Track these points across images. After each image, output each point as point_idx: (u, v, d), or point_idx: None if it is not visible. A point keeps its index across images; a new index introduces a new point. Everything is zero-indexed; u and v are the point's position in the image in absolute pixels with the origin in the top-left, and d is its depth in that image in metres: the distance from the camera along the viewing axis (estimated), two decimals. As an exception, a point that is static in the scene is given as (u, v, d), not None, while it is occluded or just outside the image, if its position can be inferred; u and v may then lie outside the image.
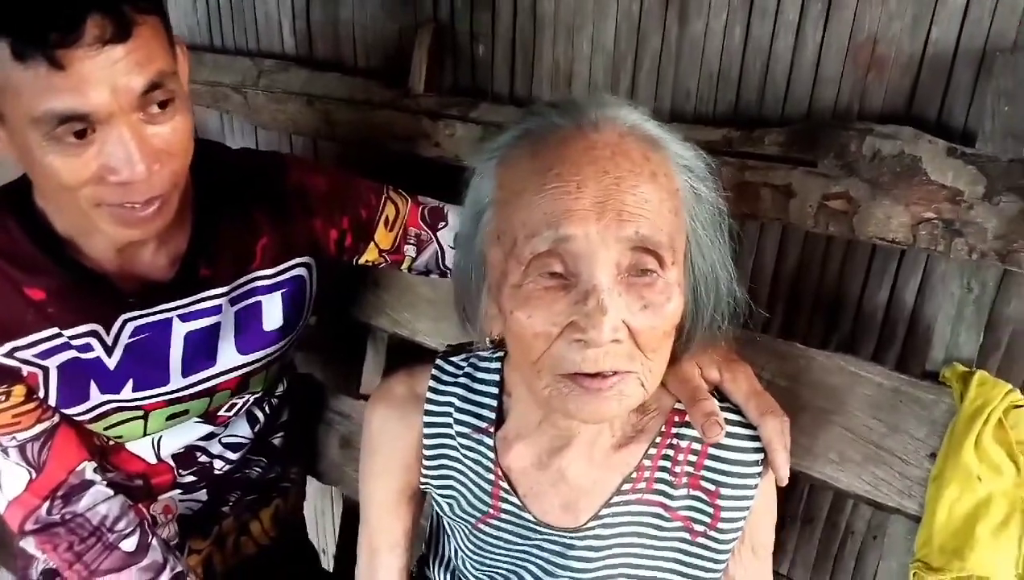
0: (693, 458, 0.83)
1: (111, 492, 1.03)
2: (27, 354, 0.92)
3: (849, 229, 0.98)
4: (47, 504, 0.98)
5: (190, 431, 1.11)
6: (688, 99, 1.18)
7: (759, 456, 0.82)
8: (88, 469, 1.01)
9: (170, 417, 1.05)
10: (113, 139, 0.79)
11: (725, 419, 0.81)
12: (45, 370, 0.94)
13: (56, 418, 0.98)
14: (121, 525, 1.03)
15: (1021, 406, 0.87)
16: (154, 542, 1.06)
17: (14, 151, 0.83)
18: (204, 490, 1.18)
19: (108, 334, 0.95)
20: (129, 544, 1.03)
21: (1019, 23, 0.93)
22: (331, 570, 1.49)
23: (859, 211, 0.97)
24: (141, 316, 0.97)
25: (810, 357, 0.99)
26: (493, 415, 0.87)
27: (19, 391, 0.93)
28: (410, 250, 1.15)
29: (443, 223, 1.14)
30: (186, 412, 1.06)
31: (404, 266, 1.17)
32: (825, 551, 1.33)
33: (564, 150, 0.68)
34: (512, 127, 0.75)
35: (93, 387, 0.97)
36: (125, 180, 0.81)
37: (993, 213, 0.90)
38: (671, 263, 0.69)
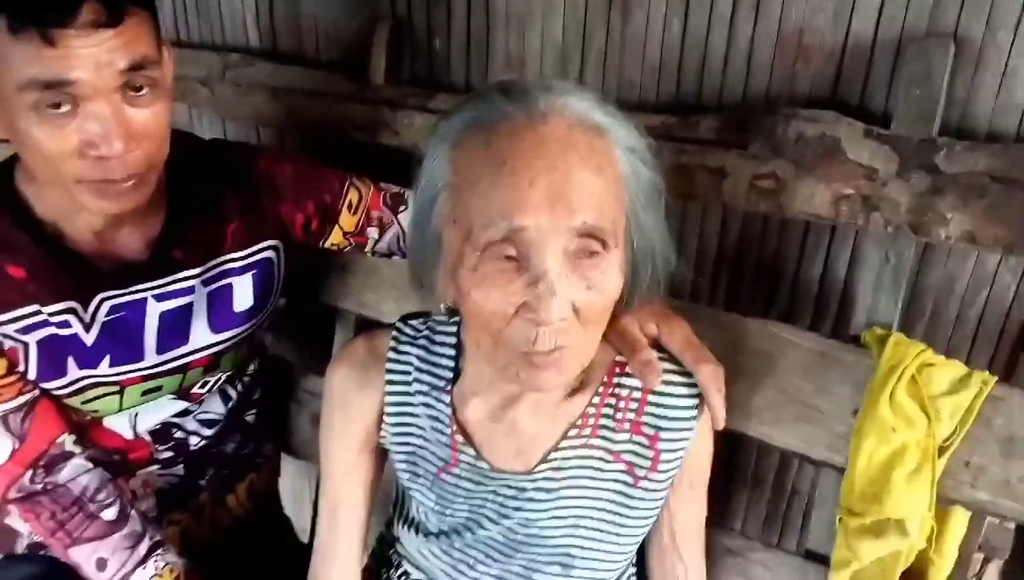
0: (634, 405, 0.91)
1: (91, 465, 1.09)
2: (8, 329, 0.98)
3: (777, 206, 1.06)
4: (30, 473, 1.04)
5: (165, 408, 1.17)
6: (632, 89, 1.25)
7: (695, 401, 0.91)
8: (68, 441, 1.07)
9: (145, 393, 1.11)
10: (94, 115, 0.85)
11: (663, 368, 0.89)
12: (25, 345, 0.99)
13: (37, 391, 1.03)
14: (101, 496, 1.09)
15: (933, 364, 0.95)
16: (133, 513, 1.11)
17: (4, 127, 0.88)
18: (181, 465, 1.24)
19: (85, 312, 1.01)
20: (110, 514, 1.08)
21: (929, 15, 1.01)
22: (307, 542, 1.55)
23: (785, 189, 1.05)
24: (117, 295, 1.03)
25: (745, 325, 1.07)
26: (451, 374, 0.93)
27: (1, 364, 0.99)
28: (373, 233, 1.21)
29: (403, 207, 1.21)
30: (160, 388, 1.12)
31: (367, 249, 1.24)
32: (774, 510, 1.41)
33: (516, 143, 0.74)
34: (462, 109, 0.79)
35: (71, 363, 1.03)
36: (103, 155, 0.87)
37: (905, 189, 0.98)
38: (614, 246, 0.76)
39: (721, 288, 1.31)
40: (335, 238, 1.20)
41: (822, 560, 1.04)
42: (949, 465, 0.94)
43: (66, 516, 1.06)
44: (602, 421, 0.91)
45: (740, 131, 1.08)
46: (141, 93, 0.89)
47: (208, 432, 1.25)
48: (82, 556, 1.07)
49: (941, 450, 0.93)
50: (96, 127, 0.85)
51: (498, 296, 0.75)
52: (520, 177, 0.72)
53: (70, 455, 1.07)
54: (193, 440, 1.24)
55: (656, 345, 0.92)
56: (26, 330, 0.99)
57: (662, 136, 1.13)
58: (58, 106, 0.84)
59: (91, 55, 0.82)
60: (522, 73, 1.34)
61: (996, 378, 0.92)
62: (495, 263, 0.75)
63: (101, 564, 1.07)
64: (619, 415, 0.91)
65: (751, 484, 1.40)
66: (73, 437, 1.08)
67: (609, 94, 1.26)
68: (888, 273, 1.02)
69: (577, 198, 0.73)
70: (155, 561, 1.09)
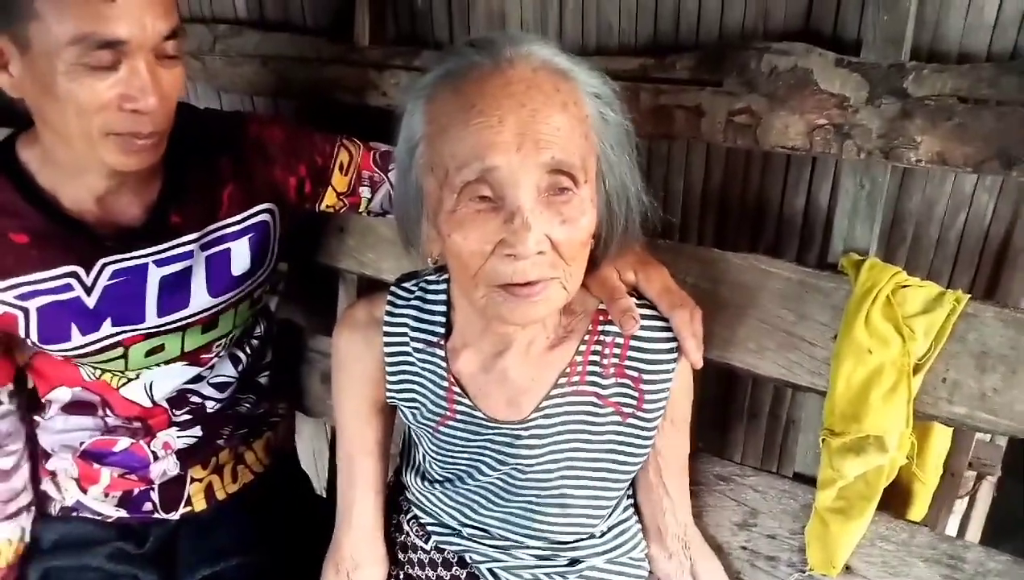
0: (618, 350, 0.95)
1: (14, 409, 1.18)
2: (7, 296, 1.04)
3: (754, 141, 1.08)
4: None
5: (178, 375, 1.22)
6: (611, 33, 1.26)
7: (673, 345, 0.94)
8: (3, 393, 1.16)
9: (148, 353, 1.16)
10: (134, 71, 0.92)
11: (641, 314, 0.92)
12: (25, 311, 1.05)
13: None
14: (8, 443, 1.18)
15: (907, 285, 0.97)
16: (24, 474, 1.21)
17: (27, 84, 0.94)
18: (199, 426, 1.29)
19: (88, 276, 1.06)
20: (5, 462, 1.18)
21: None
22: (325, 497, 1.62)
23: (761, 124, 1.06)
24: (119, 261, 1.08)
25: (727, 260, 1.09)
26: (443, 329, 0.98)
27: None
28: (365, 192, 1.25)
29: (393, 164, 1.24)
30: (162, 348, 1.17)
31: (362, 208, 1.27)
32: (771, 441, 1.46)
33: (484, 87, 0.78)
34: (435, 66, 0.84)
35: (74, 329, 1.08)
36: (139, 109, 0.94)
37: (876, 115, 0.99)
38: (584, 182, 0.80)
39: (709, 226, 1.33)
40: (329, 200, 1.24)
41: (810, 482, 1.07)
42: (926, 382, 0.97)
43: None
44: (590, 367, 0.95)
45: (715, 69, 1.10)
46: (171, 57, 0.97)
47: (222, 395, 1.30)
48: None
49: (917, 368, 0.96)
50: (136, 82, 0.93)
51: (476, 236, 0.78)
52: (489, 117, 0.76)
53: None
54: (209, 404, 1.29)
55: (636, 291, 0.96)
56: (25, 297, 1.04)
57: (640, 78, 1.15)
58: (105, 62, 0.91)
59: (141, 16, 0.91)
60: (504, 25, 1.36)
61: (969, 296, 0.94)
62: (472, 204, 0.78)
63: None
64: (605, 361, 0.95)
65: (747, 417, 1.44)
66: (10, 388, 1.17)
67: (589, 39, 1.28)
68: (863, 199, 1.04)
69: (544, 134, 0.76)
70: (12, 526, 1.20)
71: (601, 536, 1.03)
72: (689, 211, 1.33)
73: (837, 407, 0.99)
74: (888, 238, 1.18)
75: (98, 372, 1.16)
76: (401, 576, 1.11)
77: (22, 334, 1.08)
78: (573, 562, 1.03)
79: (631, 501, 1.08)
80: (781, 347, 1.06)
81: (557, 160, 0.77)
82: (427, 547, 1.08)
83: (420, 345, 0.99)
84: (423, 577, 1.09)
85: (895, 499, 1.10)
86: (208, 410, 1.29)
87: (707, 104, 1.10)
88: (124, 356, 1.14)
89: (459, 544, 1.05)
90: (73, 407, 1.22)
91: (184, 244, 1.12)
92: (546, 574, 1.02)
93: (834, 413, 0.99)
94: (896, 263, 1.02)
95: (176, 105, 1.02)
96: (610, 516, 1.04)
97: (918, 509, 1.14)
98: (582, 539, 1.02)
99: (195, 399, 1.27)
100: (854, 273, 1.00)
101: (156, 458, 1.26)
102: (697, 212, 1.33)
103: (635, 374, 0.95)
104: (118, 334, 1.11)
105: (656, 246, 1.07)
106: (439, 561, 1.07)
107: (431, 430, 1.01)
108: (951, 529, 1.36)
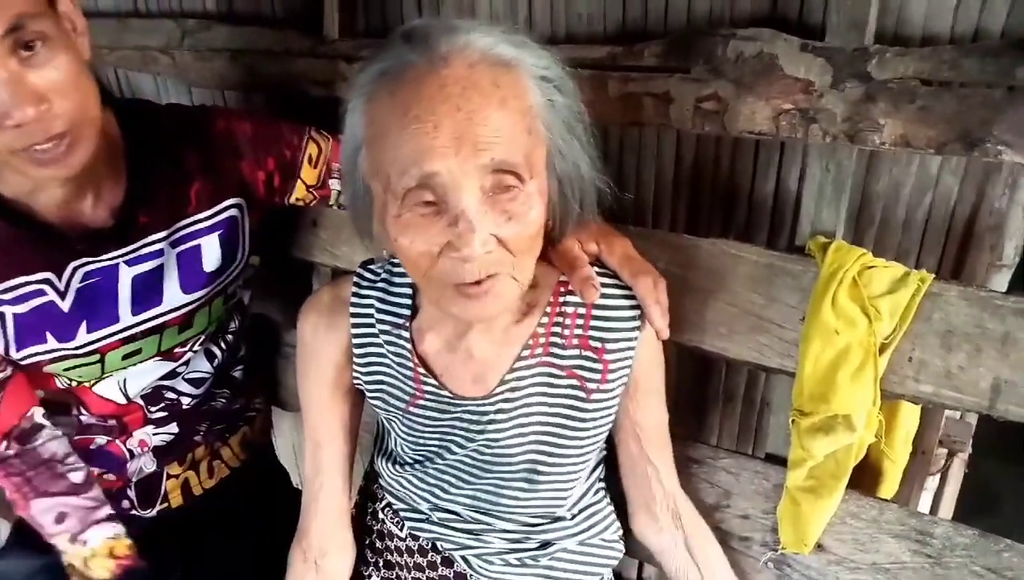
0: (580, 321, 0.96)
1: (59, 433, 1.15)
2: None
3: (721, 127, 1.08)
4: (3, 444, 1.09)
5: (152, 371, 1.22)
6: (580, 21, 1.27)
7: (636, 312, 0.96)
8: (37, 414, 1.12)
9: (125, 357, 1.15)
10: None
11: (602, 283, 0.93)
12: (2, 316, 1.04)
13: (8, 370, 1.08)
14: (70, 460, 1.15)
15: (873, 266, 0.99)
16: (96, 484, 1.18)
17: None
18: (175, 423, 1.29)
19: (60, 280, 1.05)
20: (77, 477, 1.15)
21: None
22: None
23: (728, 110, 1.07)
24: (90, 263, 1.07)
25: (696, 245, 1.10)
26: (409, 311, 0.98)
27: None
28: (335, 184, 1.24)
29: None
30: (140, 351, 1.16)
31: (332, 201, 1.27)
32: (746, 423, 1.47)
33: (419, 90, 0.75)
34: (372, 62, 0.81)
35: (49, 335, 1.07)
36: (18, 122, 0.86)
37: (840, 99, 1.00)
38: (530, 177, 0.79)
39: (681, 213, 1.34)
40: (299, 193, 1.24)
41: (782, 462, 1.09)
42: (893, 361, 0.98)
43: (34, 474, 1.11)
44: (552, 339, 0.96)
45: (682, 56, 1.10)
46: (33, 51, 0.86)
47: (197, 391, 1.30)
48: (43, 507, 1.12)
49: (883, 347, 0.97)
50: (1, 96, 0.84)
51: (422, 240, 0.78)
52: (424, 123, 0.75)
53: (40, 427, 1.12)
54: (185, 400, 1.29)
55: (598, 262, 0.97)
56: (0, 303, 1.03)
57: (609, 66, 1.16)
58: None
59: None
60: (473, 15, 1.36)
61: (933, 275, 0.96)
62: (416, 209, 0.78)
63: (61, 517, 1.13)
64: (567, 332, 0.96)
65: (722, 400, 1.45)
66: (42, 410, 1.13)
67: (559, 27, 1.28)
68: (829, 183, 1.05)
69: (483, 136, 0.75)
70: (111, 526, 1.16)
71: (572, 518, 1.05)
72: (661, 198, 1.34)
73: (806, 388, 1.00)
74: (856, 220, 1.19)
75: (72, 376, 1.15)
76: (380, 564, 1.12)
77: None
78: (544, 545, 1.04)
79: (603, 484, 1.09)
80: (751, 330, 1.07)
81: (498, 161, 0.76)
82: (402, 534, 1.09)
83: (386, 326, 0.99)
84: (401, 563, 1.10)
85: (865, 477, 1.11)
86: (183, 406, 1.29)
87: (675, 91, 1.11)
88: (100, 362, 1.13)
89: (430, 531, 1.06)
90: (46, 407, 1.20)
91: (153, 242, 1.11)
92: (517, 559, 1.03)
93: (803, 394, 1.01)
94: (865, 245, 1.03)
95: (130, 105, 1.01)
96: (581, 498, 1.05)
97: (888, 487, 1.15)
98: (552, 521, 1.04)
99: (170, 395, 1.27)
100: (821, 256, 1.01)
101: (132, 456, 1.26)
102: (669, 198, 1.33)
103: (598, 345, 0.96)
104: (94, 342, 1.11)
105: (626, 232, 1.08)
106: (415, 548, 1.08)
107: (402, 412, 1.01)
108: (924, 506, 1.38)
